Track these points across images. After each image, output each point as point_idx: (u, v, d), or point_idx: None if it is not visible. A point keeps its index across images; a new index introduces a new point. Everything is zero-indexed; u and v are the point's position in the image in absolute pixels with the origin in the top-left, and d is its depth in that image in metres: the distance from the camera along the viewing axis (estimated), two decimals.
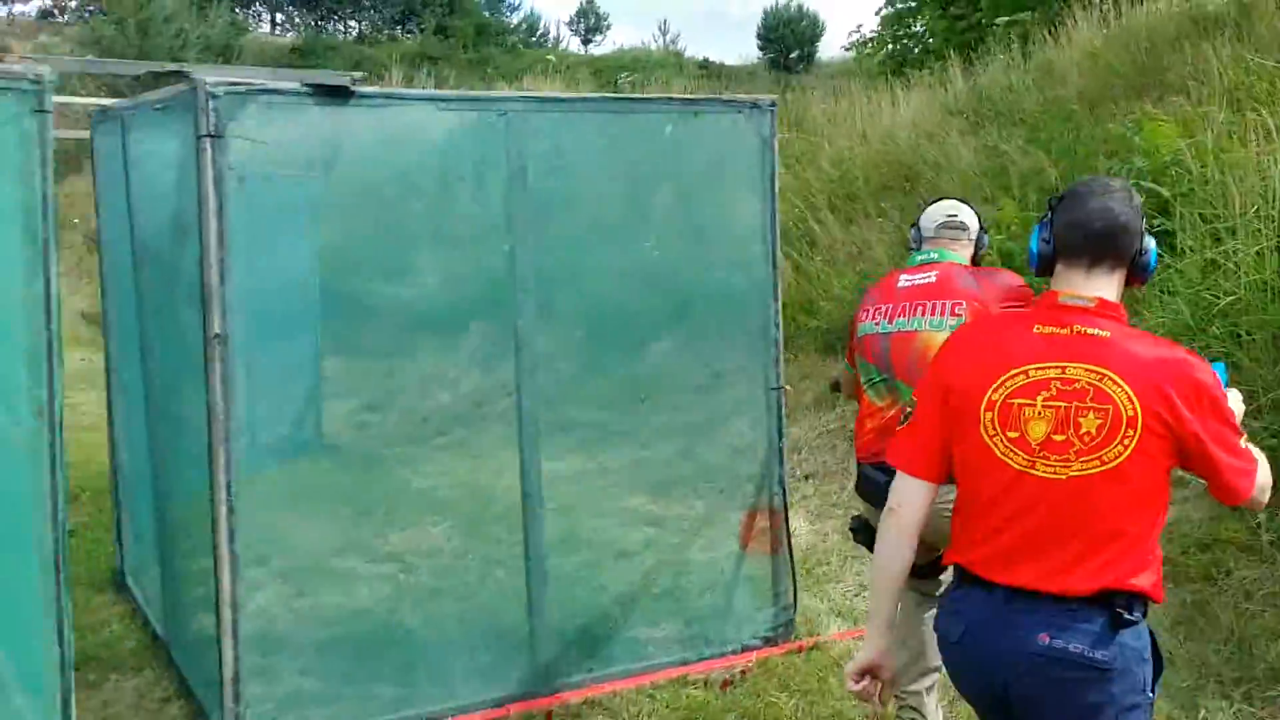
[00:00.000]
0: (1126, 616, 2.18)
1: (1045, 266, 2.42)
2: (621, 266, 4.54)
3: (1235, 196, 5.61)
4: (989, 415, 2.28)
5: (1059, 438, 2.21)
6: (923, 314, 3.48)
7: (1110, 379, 2.19)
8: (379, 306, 4.44)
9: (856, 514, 3.89)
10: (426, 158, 4.15)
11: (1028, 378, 2.26)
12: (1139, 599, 2.22)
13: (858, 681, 2.50)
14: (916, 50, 12.51)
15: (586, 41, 34.91)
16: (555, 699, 4.33)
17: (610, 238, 4.43)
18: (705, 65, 27.89)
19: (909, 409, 2.51)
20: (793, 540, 5.94)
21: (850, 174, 9.33)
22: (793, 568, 4.83)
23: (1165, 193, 6.08)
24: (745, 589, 4.88)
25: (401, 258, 4.30)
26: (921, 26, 12.38)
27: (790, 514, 6.18)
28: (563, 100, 4.41)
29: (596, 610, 4.80)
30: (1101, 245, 2.32)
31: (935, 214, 3.77)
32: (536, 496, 4.39)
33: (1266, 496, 2.34)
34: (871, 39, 14.28)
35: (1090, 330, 2.26)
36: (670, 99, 4.51)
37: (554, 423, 4.54)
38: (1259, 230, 5.46)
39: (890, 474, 2.53)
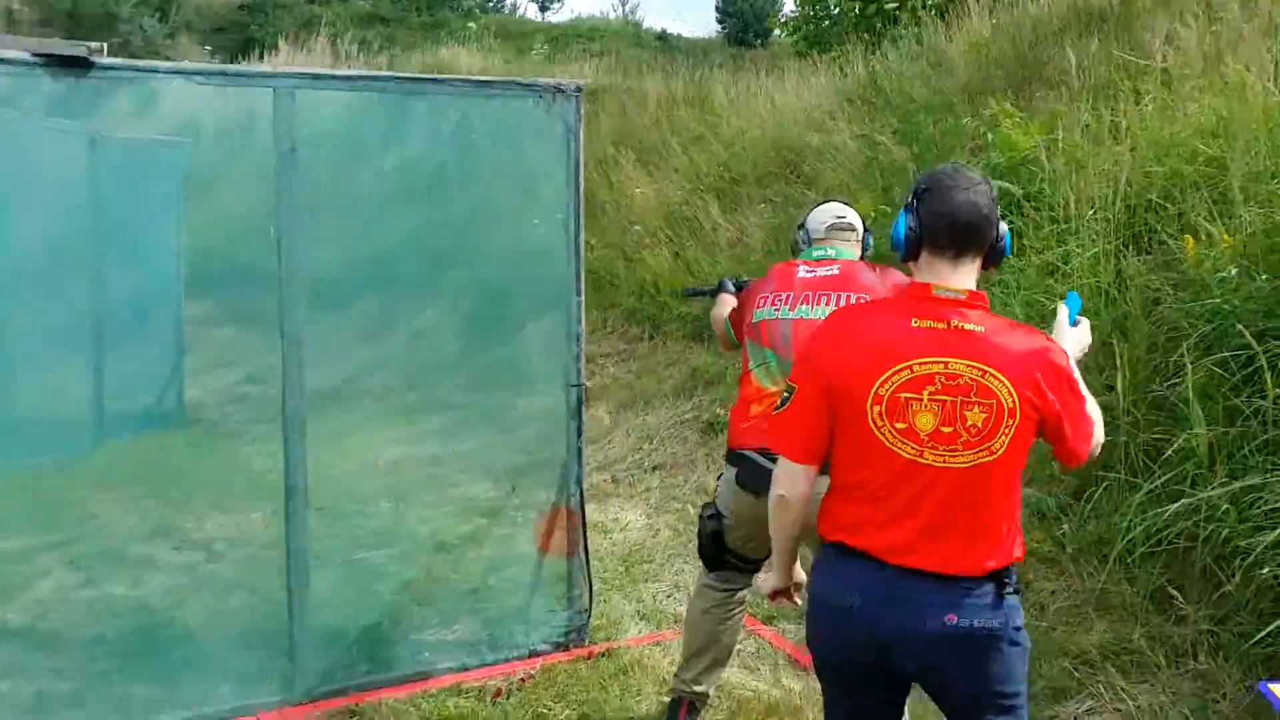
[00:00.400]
0: (1010, 586, 2.46)
1: (911, 253, 2.54)
2: (402, 256, 4.37)
3: (1075, 197, 5.48)
4: (876, 409, 2.41)
5: (946, 429, 2.38)
6: (827, 304, 3.50)
7: (992, 375, 2.37)
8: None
9: (710, 503, 3.81)
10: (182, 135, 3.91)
11: (912, 372, 2.40)
12: (1013, 566, 2.50)
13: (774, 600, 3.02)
14: (831, 31, 12.29)
15: (544, 9, 34.42)
16: (310, 707, 4.14)
17: (391, 226, 4.24)
18: (663, 37, 27.68)
19: (785, 395, 2.61)
20: (624, 534, 5.86)
21: (739, 158, 9.13)
22: (588, 570, 4.66)
23: (1016, 191, 5.93)
24: (542, 592, 4.72)
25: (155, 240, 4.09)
26: (836, 8, 12.15)
27: (627, 507, 6.08)
28: (340, 78, 4.18)
29: (380, 611, 4.64)
30: (967, 238, 2.47)
31: (824, 215, 3.83)
32: (301, 492, 4.17)
33: (1099, 451, 2.62)
34: (793, 18, 14.09)
35: (967, 326, 2.41)
36: (463, 80, 4.27)
37: (322, 411, 4.36)
38: (1097, 233, 5.33)
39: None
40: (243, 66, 4.46)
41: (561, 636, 4.63)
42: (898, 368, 2.40)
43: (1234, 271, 4.45)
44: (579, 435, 4.62)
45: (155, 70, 3.80)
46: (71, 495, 6.35)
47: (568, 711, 4.15)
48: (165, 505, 6.31)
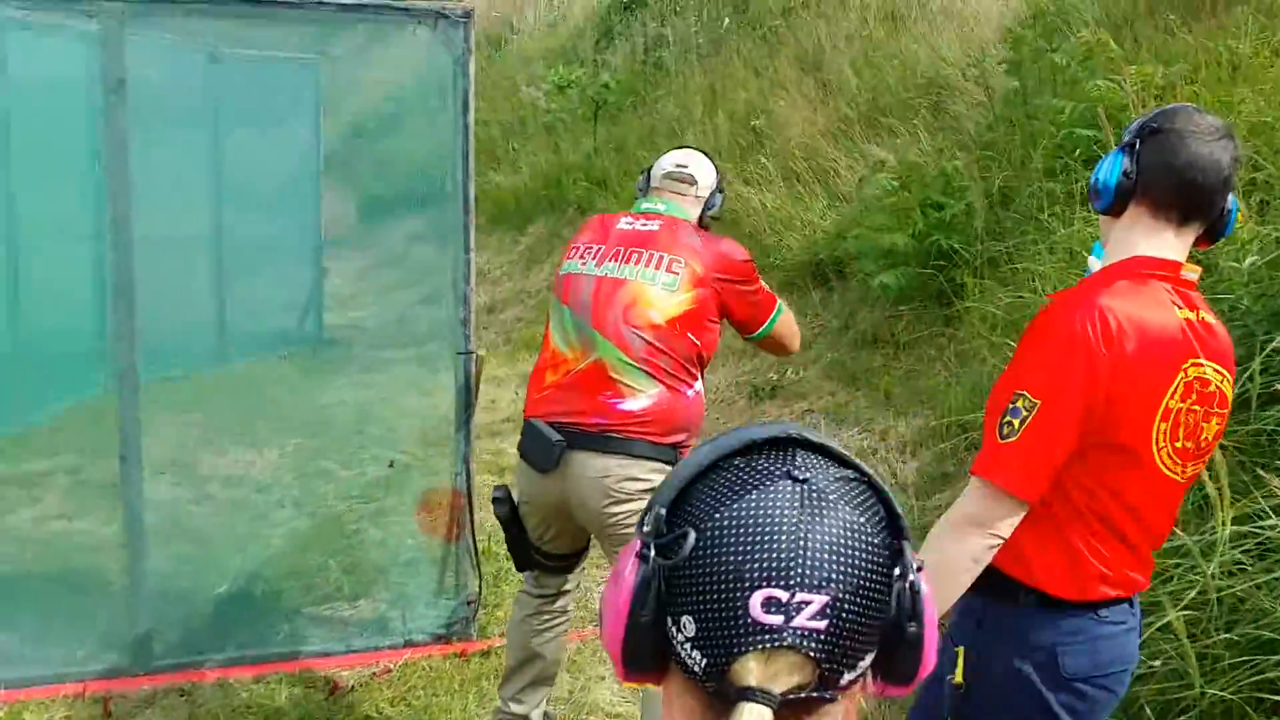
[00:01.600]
0: None
1: (1118, 206, 2.02)
2: (256, 202, 3.97)
3: None
4: (1164, 426, 1.93)
5: (1189, 444, 1.97)
6: (637, 262, 3.04)
7: (1228, 380, 2.00)
8: None
9: (502, 485, 3.29)
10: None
11: (1185, 377, 1.94)
12: None
13: None
14: None
15: None
16: (141, 680, 3.93)
17: (239, 170, 3.85)
18: None
19: (1023, 414, 1.90)
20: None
21: (880, 88, 8.03)
22: (476, 557, 4.18)
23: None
24: (427, 577, 4.31)
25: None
26: None
27: None
28: (173, 3, 3.79)
29: (244, 584, 4.41)
30: (1199, 202, 1.96)
31: (666, 162, 3.33)
32: (134, 460, 3.92)
33: None
34: None
35: (1208, 317, 2.00)
36: (321, 3, 3.77)
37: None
38: None
39: (573, 438, 2.77)
40: None
41: (442, 628, 4.20)
42: (1181, 374, 1.93)
43: None
44: (467, 409, 4.10)
45: None
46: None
47: (400, 716, 3.74)
48: (207, 433, 6.39)
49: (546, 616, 3.38)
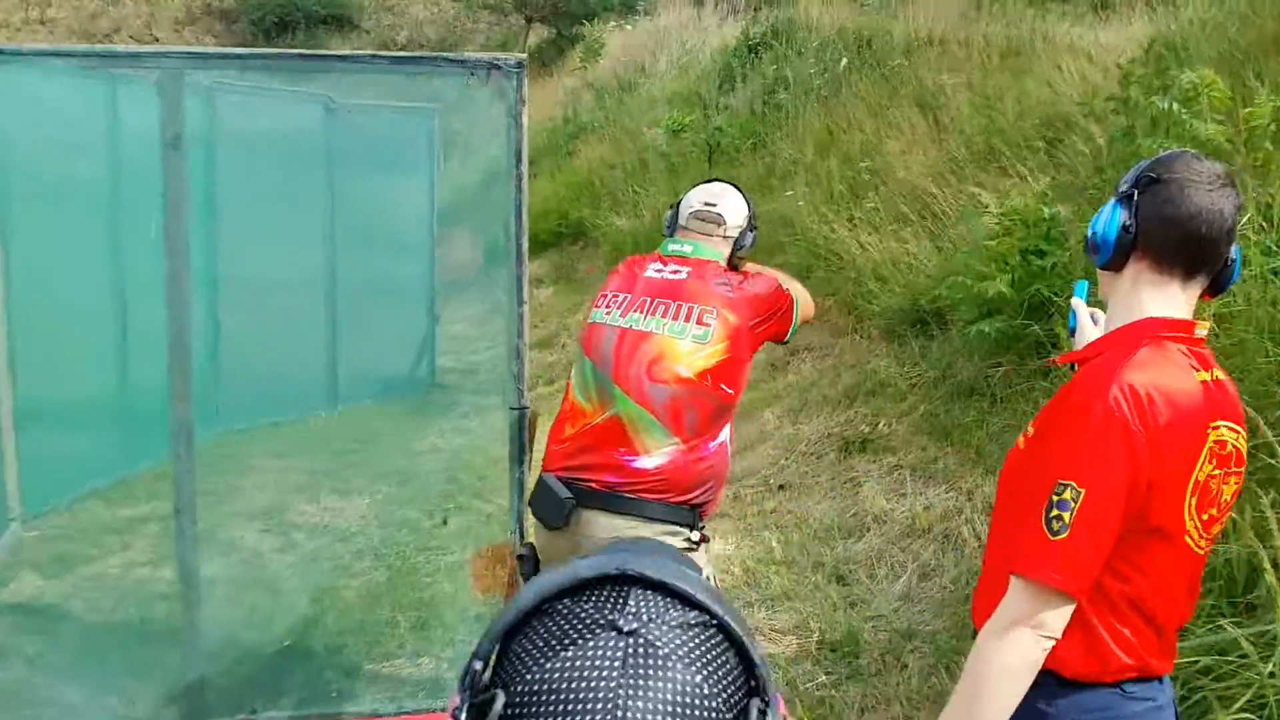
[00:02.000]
0: None
1: (1117, 261, 1.92)
2: (309, 259, 3.98)
3: None
4: (1194, 499, 1.82)
5: (1212, 511, 1.86)
6: (664, 315, 2.91)
7: (1243, 437, 1.90)
8: None
9: (528, 542, 3.21)
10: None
11: (1209, 442, 1.83)
12: None
13: None
14: None
15: None
16: None
17: (242, 229, 3.83)
18: None
19: (1072, 506, 1.76)
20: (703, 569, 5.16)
21: (1007, 123, 7.73)
22: None
23: None
24: (475, 635, 4.21)
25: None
26: None
27: (719, 532, 5.37)
28: (228, 56, 3.83)
29: (314, 639, 4.40)
30: (1203, 255, 1.86)
31: (694, 198, 3.20)
32: (189, 514, 3.94)
33: None
34: None
35: (1219, 374, 1.90)
36: (376, 57, 3.77)
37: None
38: None
39: (583, 496, 2.66)
40: (124, 46, 4.41)
41: None
42: (1206, 442, 1.82)
43: None
44: (520, 465, 4.01)
45: (20, 52, 3.66)
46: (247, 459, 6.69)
47: None
48: (306, 478, 6.49)
49: None
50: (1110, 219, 1.90)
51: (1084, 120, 6.55)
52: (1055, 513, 1.75)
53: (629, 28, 21.21)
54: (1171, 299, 1.88)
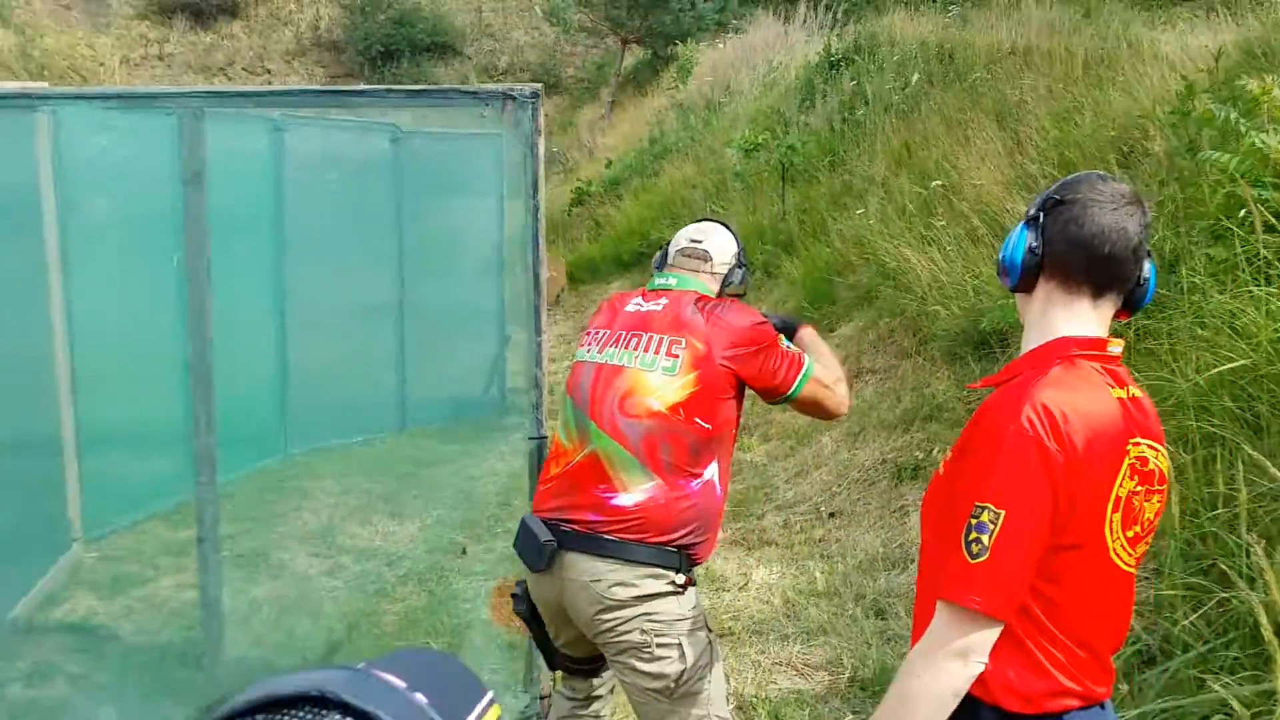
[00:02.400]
0: None
1: (1027, 282, 1.93)
2: (379, 284, 4.00)
3: None
4: (1116, 516, 1.81)
5: (1136, 529, 1.85)
6: (636, 347, 2.85)
7: (1163, 455, 1.89)
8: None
9: (521, 580, 3.15)
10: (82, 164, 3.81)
11: (1129, 458, 1.83)
12: None
13: None
14: None
15: None
16: None
17: (310, 257, 3.87)
18: None
19: (990, 529, 1.72)
20: (731, 596, 5.09)
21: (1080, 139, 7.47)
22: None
23: None
24: (496, 669, 4.20)
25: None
26: None
27: (768, 559, 5.29)
28: (250, 95, 3.89)
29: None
30: (1109, 274, 1.87)
31: (680, 237, 3.14)
32: (211, 542, 3.99)
33: None
34: None
35: (1135, 392, 1.90)
36: (391, 91, 3.80)
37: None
38: None
39: (565, 538, 2.60)
40: (144, 87, 4.51)
41: None
42: (1125, 458, 1.81)
43: None
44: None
45: (48, 97, 3.77)
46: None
47: None
48: (363, 501, 6.55)
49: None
50: (1017, 242, 1.91)
51: (1165, 130, 6.31)
52: (974, 535, 1.72)
53: (721, 46, 21.16)
54: (1082, 318, 1.87)
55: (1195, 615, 3.12)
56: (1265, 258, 4.00)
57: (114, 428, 5.75)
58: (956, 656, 1.71)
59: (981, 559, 1.70)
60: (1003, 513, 1.71)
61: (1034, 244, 1.89)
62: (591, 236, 15.57)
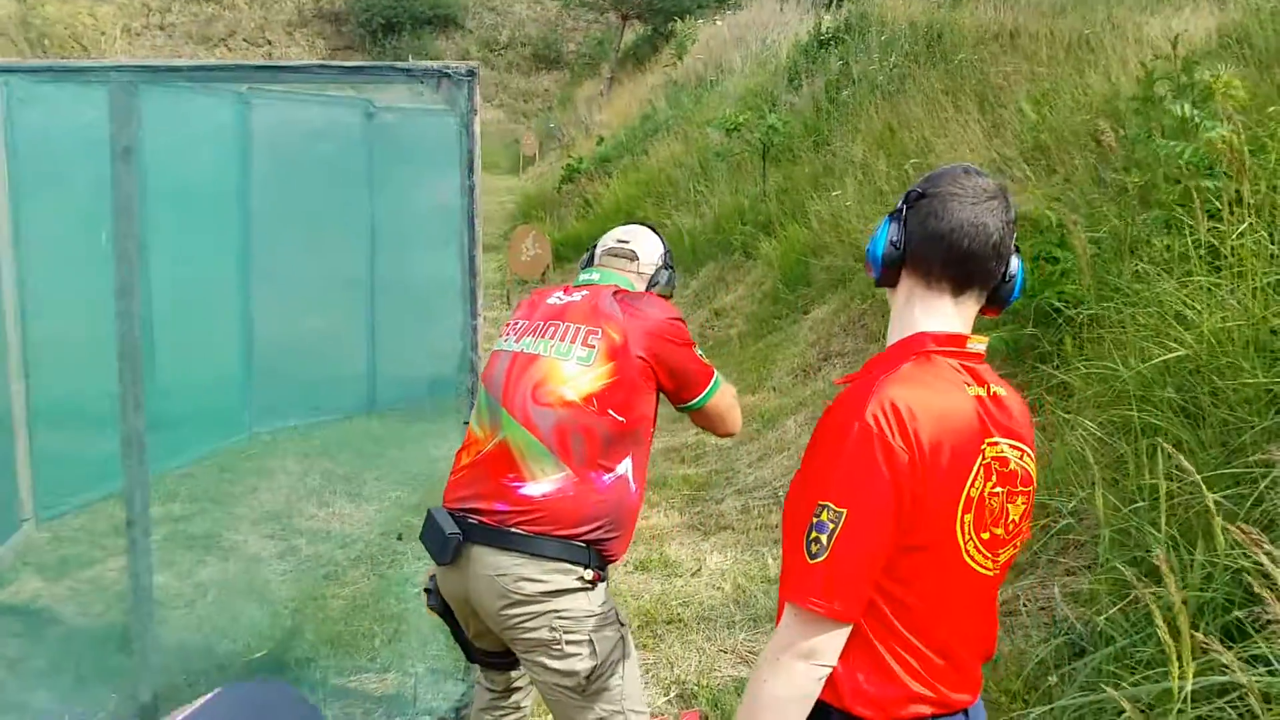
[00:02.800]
0: None
1: (889, 277, 1.89)
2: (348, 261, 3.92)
3: None
4: (967, 517, 1.75)
5: (998, 531, 1.80)
6: (553, 336, 2.80)
7: (1028, 455, 1.84)
8: None
9: (433, 574, 3.14)
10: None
11: (984, 459, 1.77)
12: None
13: None
14: None
15: None
16: None
17: (278, 233, 3.79)
18: None
19: (830, 528, 1.66)
20: (682, 581, 5.04)
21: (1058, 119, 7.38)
22: None
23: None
24: (448, 650, 4.16)
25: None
26: None
27: (723, 544, 5.24)
28: (179, 69, 3.82)
29: (287, 650, 4.39)
30: (967, 270, 1.81)
31: (607, 238, 3.13)
32: (142, 526, 3.94)
33: None
34: None
35: (998, 390, 1.84)
36: (325, 66, 3.72)
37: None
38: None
39: (471, 531, 2.59)
40: (76, 60, 4.45)
41: (452, 711, 4.02)
42: (980, 457, 1.76)
43: None
44: None
45: None
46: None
47: None
48: (322, 483, 6.51)
49: (500, 712, 3.16)
50: (880, 236, 1.87)
51: (1137, 116, 6.22)
52: (814, 535, 1.67)
53: (719, 23, 21.04)
54: (943, 314, 1.82)
55: (1115, 609, 3.07)
56: (1211, 246, 3.93)
57: (64, 405, 5.70)
58: (801, 658, 1.66)
59: (820, 559, 1.65)
60: (844, 511, 1.65)
61: (895, 238, 1.84)
62: (580, 214, 15.50)
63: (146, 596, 3.91)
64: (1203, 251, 3.84)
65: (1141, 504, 3.25)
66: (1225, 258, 3.84)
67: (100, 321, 5.88)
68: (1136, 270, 4.23)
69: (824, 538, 1.65)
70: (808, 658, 1.66)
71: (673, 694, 4.11)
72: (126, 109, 3.67)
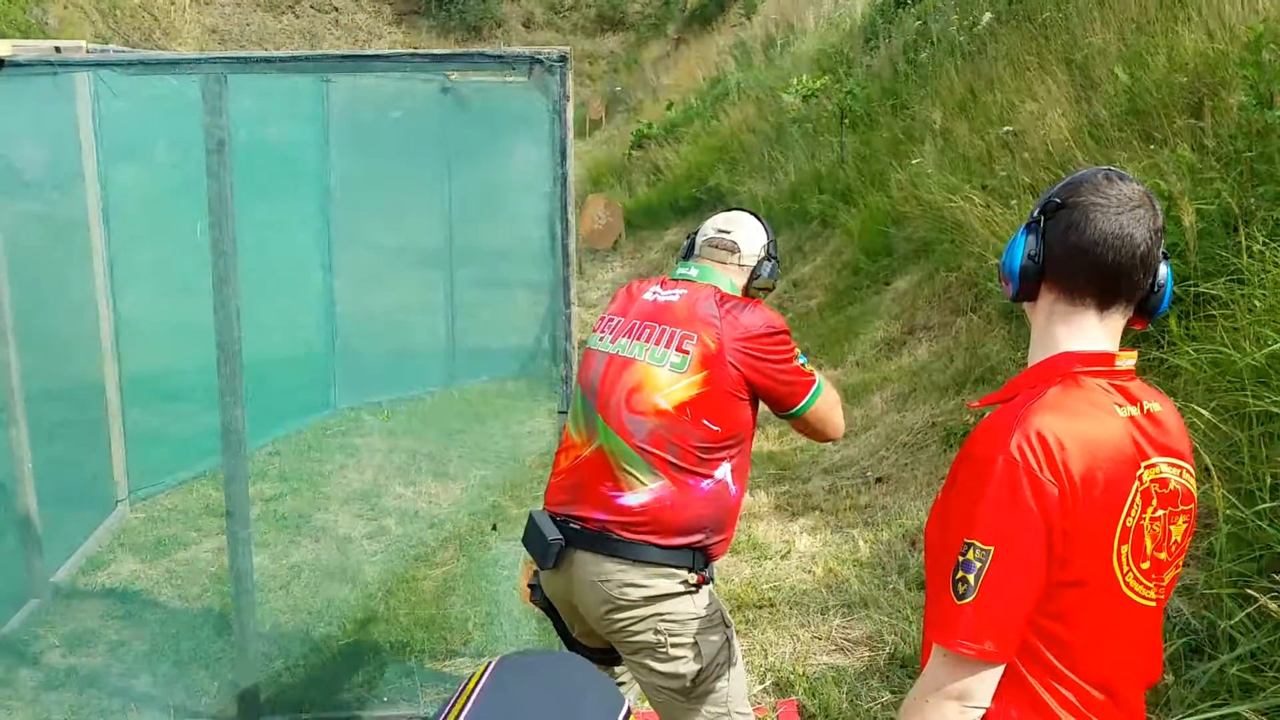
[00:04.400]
0: None
1: (1028, 290, 1.78)
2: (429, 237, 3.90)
3: None
4: (1124, 549, 1.68)
5: (1160, 555, 1.71)
6: (648, 339, 2.74)
7: (1187, 471, 1.74)
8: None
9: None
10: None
11: (1141, 484, 1.68)
12: None
13: None
14: None
15: None
16: None
17: (358, 207, 3.77)
18: None
19: (977, 567, 1.59)
20: (773, 564, 5.00)
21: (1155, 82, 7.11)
22: None
23: None
24: (542, 634, 4.16)
25: None
26: None
27: (813, 526, 5.19)
28: (270, 60, 3.80)
29: (382, 634, 4.42)
30: (1115, 283, 1.71)
31: (708, 227, 3.00)
32: (241, 515, 3.95)
33: None
34: None
35: (1153, 407, 1.74)
36: (414, 55, 3.68)
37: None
38: None
39: (573, 536, 2.56)
40: (166, 53, 4.48)
41: None
42: (1136, 484, 1.67)
43: None
44: None
45: (68, 64, 3.71)
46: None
47: None
48: (409, 460, 6.54)
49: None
50: (1016, 248, 1.75)
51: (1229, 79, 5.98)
52: (960, 575, 1.60)
53: None
54: (1088, 331, 1.72)
55: (1243, 614, 2.96)
56: None
57: (159, 384, 5.77)
58: (953, 700, 1.61)
59: (968, 600, 1.58)
60: (991, 550, 1.58)
61: (1033, 251, 1.73)
62: (650, 181, 15.39)
63: (248, 588, 3.94)
64: None
65: (1260, 495, 3.13)
66: None
67: (189, 300, 5.96)
68: (1251, 248, 4.07)
69: (971, 577, 1.58)
70: (960, 699, 1.60)
71: (768, 682, 4.07)
72: (218, 101, 3.66)
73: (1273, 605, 2.41)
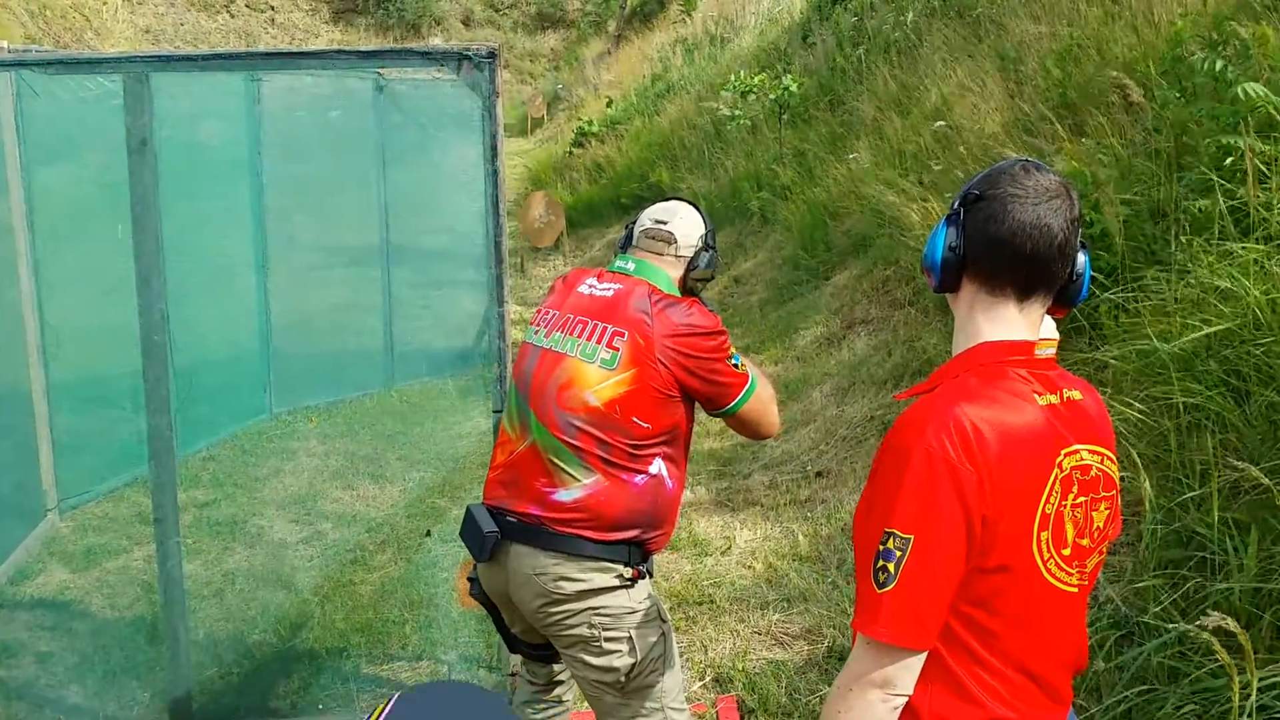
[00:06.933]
0: None
1: (950, 282, 1.79)
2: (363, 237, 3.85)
3: None
4: (1044, 535, 1.68)
5: (1083, 542, 1.72)
6: (580, 334, 2.71)
7: (1109, 458, 1.77)
8: None
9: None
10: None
11: (1061, 471, 1.69)
12: None
13: None
14: None
15: None
16: None
17: (291, 208, 3.72)
18: None
19: (897, 555, 1.59)
20: (713, 560, 4.99)
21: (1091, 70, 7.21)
22: None
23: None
24: (461, 651, 4.14)
25: None
26: None
27: (752, 521, 5.19)
28: (193, 58, 3.74)
29: (318, 640, 4.36)
30: (1032, 273, 1.73)
31: (644, 217, 2.96)
32: (170, 522, 3.88)
33: None
34: None
35: (1072, 395, 1.77)
36: (341, 52, 3.63)
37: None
38: None
39: (509, 529, 2.56)
40: (87, 53, 4.42)
41: None
42: (1055, 471, 1.68)
43: None
44: None
45: None
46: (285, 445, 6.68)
47: None
48: (345, 463, 6.46)
49: (542, 705, 3.12)
50: (935, 240, 1.77)
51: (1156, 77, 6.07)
52: (881, 563, 1.60)
53: None
54: (1008, 320, 1.73)
55: (1169, 600, 3.00)
56: (1258, 213, 3.83)
57: (85, 389, 5.66)
58: (876, 688, 1.61)
59: (889, 588, 1.59)
60: (910, 538, 1.59)
61: (954, 242, 1.74)
62: (592, 178, 15.36)
63: (179, 595, 3.88)
64: (1242, 218, 3.74)
65: (1187, 483, 3.18)
66: (1268, 224, 3.74)
67: (117, 303, 5.84)
68: (1175, 237, 4.13)
69: (891, 566, 1.59)
70: (883, 687, 1.60)
71: (708, 678, 4.07)
72: (140, 101, 3.59)
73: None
